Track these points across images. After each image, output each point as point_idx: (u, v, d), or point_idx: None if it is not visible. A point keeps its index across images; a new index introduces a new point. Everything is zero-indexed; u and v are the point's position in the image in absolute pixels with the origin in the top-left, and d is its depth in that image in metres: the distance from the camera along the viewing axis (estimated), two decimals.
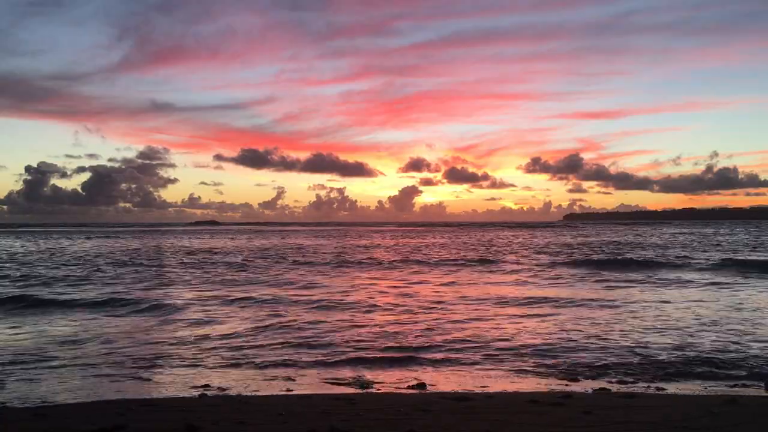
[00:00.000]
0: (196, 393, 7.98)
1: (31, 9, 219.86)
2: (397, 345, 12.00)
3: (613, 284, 23.00)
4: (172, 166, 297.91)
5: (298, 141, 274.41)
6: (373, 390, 8.47)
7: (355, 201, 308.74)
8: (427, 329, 13.63)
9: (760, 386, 8.99)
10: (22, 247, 56.10)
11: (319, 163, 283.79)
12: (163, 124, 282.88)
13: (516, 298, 18.97)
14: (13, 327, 14.48)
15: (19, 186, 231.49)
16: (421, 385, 8.58)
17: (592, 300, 18.47)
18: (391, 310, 16.77)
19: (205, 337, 13.38)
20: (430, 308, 16.95)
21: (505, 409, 6.81)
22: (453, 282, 24.61)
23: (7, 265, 34.10)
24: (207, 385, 8.54)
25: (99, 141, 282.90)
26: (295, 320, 14.99)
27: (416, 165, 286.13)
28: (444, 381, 9.38)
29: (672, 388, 8.87)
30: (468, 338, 12.48)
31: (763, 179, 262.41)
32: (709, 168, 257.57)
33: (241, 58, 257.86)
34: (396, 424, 6.06)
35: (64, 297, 19.95)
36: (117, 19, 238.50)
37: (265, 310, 16.83)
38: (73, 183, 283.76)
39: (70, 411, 6.69)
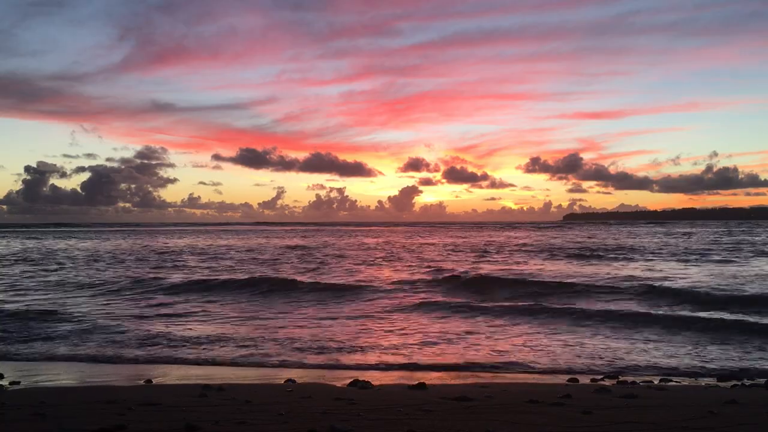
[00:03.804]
0: (196, 393, 7.98)
1: (32, 9, 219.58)
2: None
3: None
4: (171, 165, 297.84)
5: (299, 141, 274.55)
6: (373, 390, 8.47)
7: (355, 201, 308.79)
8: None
9: (760, 386, 9.00)
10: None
11: (318, 163, 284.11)
12: (164, 124, 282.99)
13: None
14: None
15: (18, 186, 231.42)
16: (421, 385, 8.58)
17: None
18: None
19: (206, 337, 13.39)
20: None
21: (505, 409, 6.81)
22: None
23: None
24: (207, 385, 8.54)
25: (99, 141, 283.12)
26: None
27: (416, 165, 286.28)
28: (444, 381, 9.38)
29: (672, 387, 8.88)
30: None
31: (763, 179, 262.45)
32: (709, 168, 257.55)
33: (242, 59, 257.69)
34: (396, 424, 6.06)
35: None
36: (118, 20, 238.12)
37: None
38: (73, 183, 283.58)
39: (69, 411, 6.69)
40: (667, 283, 21.29)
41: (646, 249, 44.67)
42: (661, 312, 15.83)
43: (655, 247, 47.34)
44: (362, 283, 23.19)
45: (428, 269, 29.40)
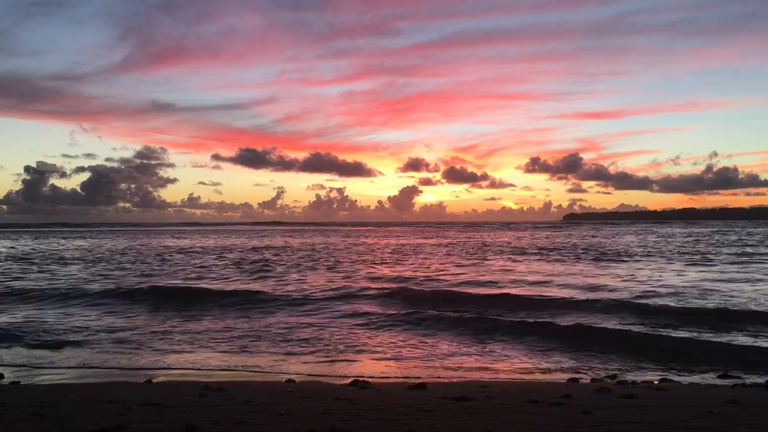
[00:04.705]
0: (196, 393, 7.98)
1: (32, 9, 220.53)
2: None
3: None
4: (171, 165, 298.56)
5: (299, 141, 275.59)
6: (373, 390, 8.47)
7: (355, 201, 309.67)
8: None
9: (760, 386, 9.01)
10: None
11: (318, 163, 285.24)
12: (164, 124, 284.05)
13: None
14: None
15: (18, 186, 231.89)
16: (421, 386, 8.58)
17: None
18: None
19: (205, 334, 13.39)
20: None
21: (505, 409, 6.81)
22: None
23: None
24: (207, 385, 8.55)
25: (98, 141, 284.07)
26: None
27: (416, 165, 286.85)
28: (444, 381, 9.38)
29: (672, 387, 8.88)
30: None
31: (763, 179, 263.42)
32: (709, 168, 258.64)
33: (242, 59, 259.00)
34: (396, 424, 6.06)
35: None
36: (118, 20, 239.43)
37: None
38: (72, 183, 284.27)
39: (69, 410, 6.69)
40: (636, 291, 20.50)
41: (640, 250, 44.74)
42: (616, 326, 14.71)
43: (648, 248, 47.33)
44: (333, 294, 21.47)
45: (400, 278, 26.84)
